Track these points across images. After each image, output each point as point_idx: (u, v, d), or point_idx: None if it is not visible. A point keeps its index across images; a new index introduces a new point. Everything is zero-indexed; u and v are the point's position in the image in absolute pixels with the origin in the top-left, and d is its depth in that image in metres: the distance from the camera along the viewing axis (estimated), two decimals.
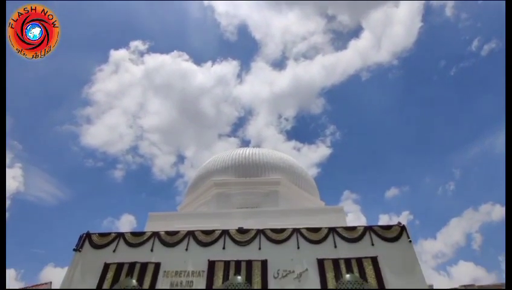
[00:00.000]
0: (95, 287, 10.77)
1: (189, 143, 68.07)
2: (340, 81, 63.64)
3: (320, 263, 10.97)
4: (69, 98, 54.33)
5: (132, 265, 11.23)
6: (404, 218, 54.22)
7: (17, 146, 51.59)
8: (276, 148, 29.09)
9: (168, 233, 12.23)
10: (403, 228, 11.80)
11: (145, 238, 12.09)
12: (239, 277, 10.82)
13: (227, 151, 22.44)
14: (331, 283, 10.50)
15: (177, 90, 57.40)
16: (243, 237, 11.94)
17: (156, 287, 10.71)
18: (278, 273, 10.84)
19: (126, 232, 12.45)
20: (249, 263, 11.03)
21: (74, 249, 11.90)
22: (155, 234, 12.20)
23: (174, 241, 11.95)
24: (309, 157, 64.22)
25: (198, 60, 70.12)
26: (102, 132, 62.28)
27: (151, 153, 67.45)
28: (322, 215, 15.33)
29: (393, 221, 12.09)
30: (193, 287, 10.68)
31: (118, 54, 51.42)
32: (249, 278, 10.70)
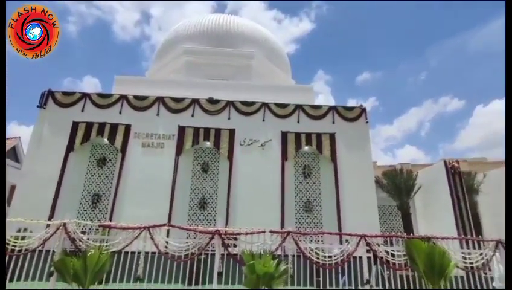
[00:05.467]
0: (66, 144, 11.12)
1: None
2: None
3: (284, 135, 11.90)
4: None
5: (102, 125, 11.43)
6: (370, 104, 57.66)
7: None
8: (255, 19, 26.83)
9: (136, 97, 12.11)
10: (363, 110, 12.60)
11: (113, 101, 11.96)
12: (208, 142, 11.63)
13: (201, 15, 20.32)
14: (291, 153, 11.71)
15: None
16: (213, 106, 12.21)
17: (128, 147, 11.32)
18: (244, 141, 11.76)
19: (92, 93, 12.13)
20: (218, 130, 11.67)
21: (38, 106, 11.62)
22: (123, 97, 12.04)
23: (144, 105, 12.00)
24: (289, 31, 60.53)
25: None
26: None
27: (110, 6, 59.13)
28: (291, 93, 15.64)
29: None
30: (164, 148, 11.44)
31: None
32: (216, 143, 11.53)
